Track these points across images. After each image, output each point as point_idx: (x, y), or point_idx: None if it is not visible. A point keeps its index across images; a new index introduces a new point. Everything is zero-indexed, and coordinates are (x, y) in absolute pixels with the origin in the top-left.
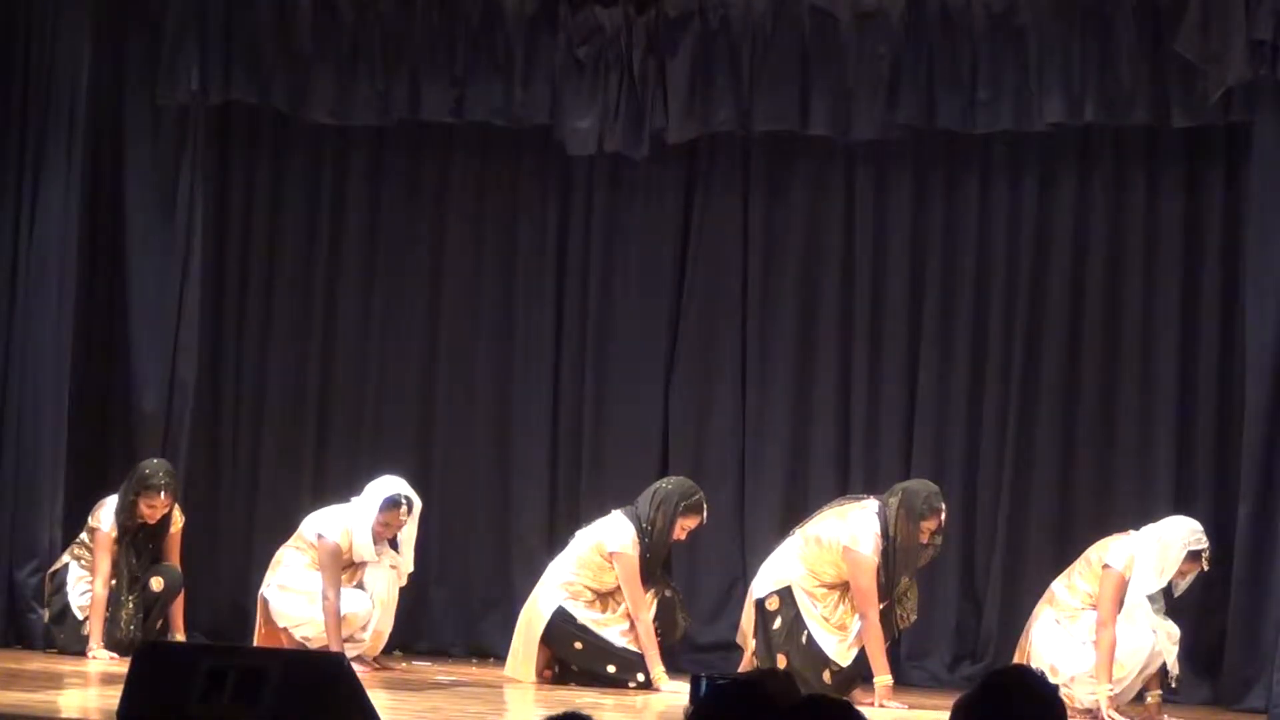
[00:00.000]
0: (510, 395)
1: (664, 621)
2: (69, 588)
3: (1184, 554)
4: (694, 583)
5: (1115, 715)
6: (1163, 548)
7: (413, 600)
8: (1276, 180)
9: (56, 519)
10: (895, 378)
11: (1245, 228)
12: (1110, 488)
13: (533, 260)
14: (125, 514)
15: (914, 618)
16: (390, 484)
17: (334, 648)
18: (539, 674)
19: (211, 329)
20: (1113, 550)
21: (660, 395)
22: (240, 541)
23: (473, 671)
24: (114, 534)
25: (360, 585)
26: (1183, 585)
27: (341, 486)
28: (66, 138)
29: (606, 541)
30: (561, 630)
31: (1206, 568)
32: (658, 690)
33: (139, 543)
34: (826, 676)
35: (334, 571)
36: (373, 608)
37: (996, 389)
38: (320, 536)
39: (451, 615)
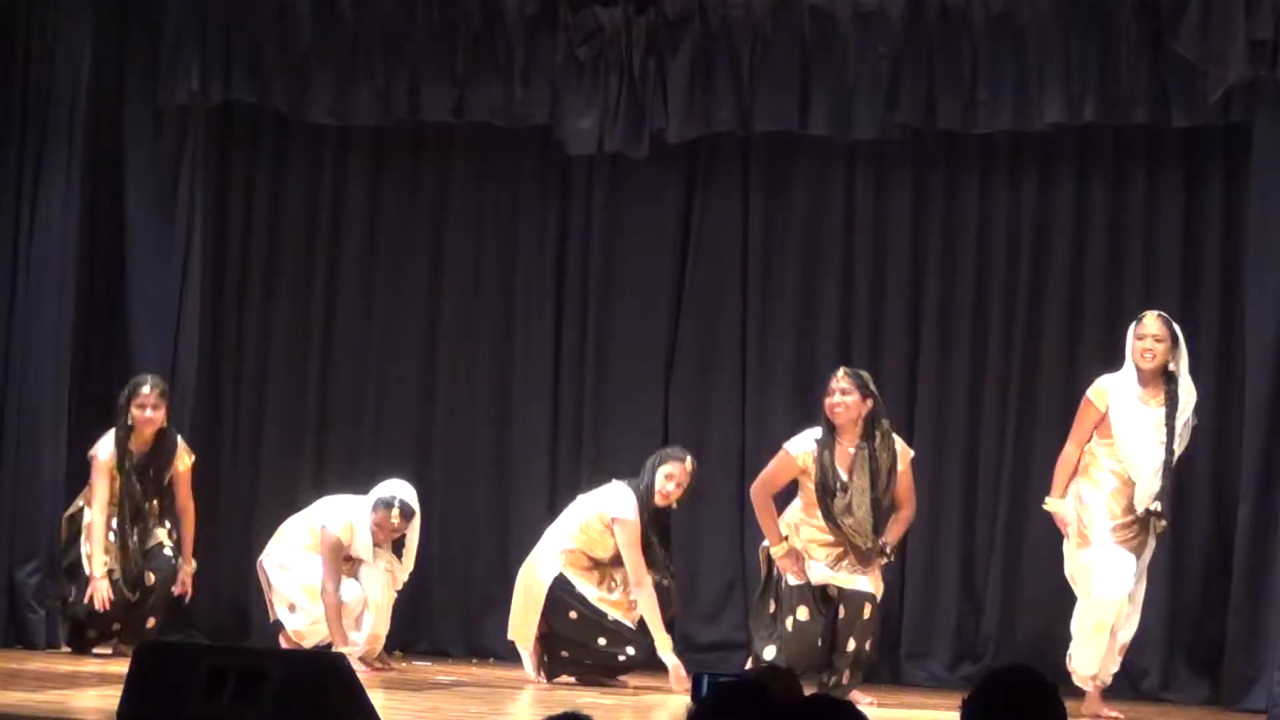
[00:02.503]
0: (510, 395)
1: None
2: (83, 538)
3: (1129, 341)
4: (694, 583)
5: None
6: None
7: (413, 600)
8: (1276, 180)
9: (57, 519)
10: (894, 377)
11: (1245, 227)
12: None
13: (533, 260)
14: (123, 432)
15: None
16: (389, 486)
17: (336, 640)
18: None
19: (211, 329)
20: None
21: (660, 395)
22: (240, 542)
23: (473, 671)
24: (112, 461)
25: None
26: (1183, 422)
27: (341, 486)
28: (66, 138)
29: (608, 509)
30: (559, 598)
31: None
32: (660, 657)
33: (140, 468)
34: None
35: (334, 564)
36: (367, 608)
37: (996, 388)
38: (324, 528)
39: (451, 615)
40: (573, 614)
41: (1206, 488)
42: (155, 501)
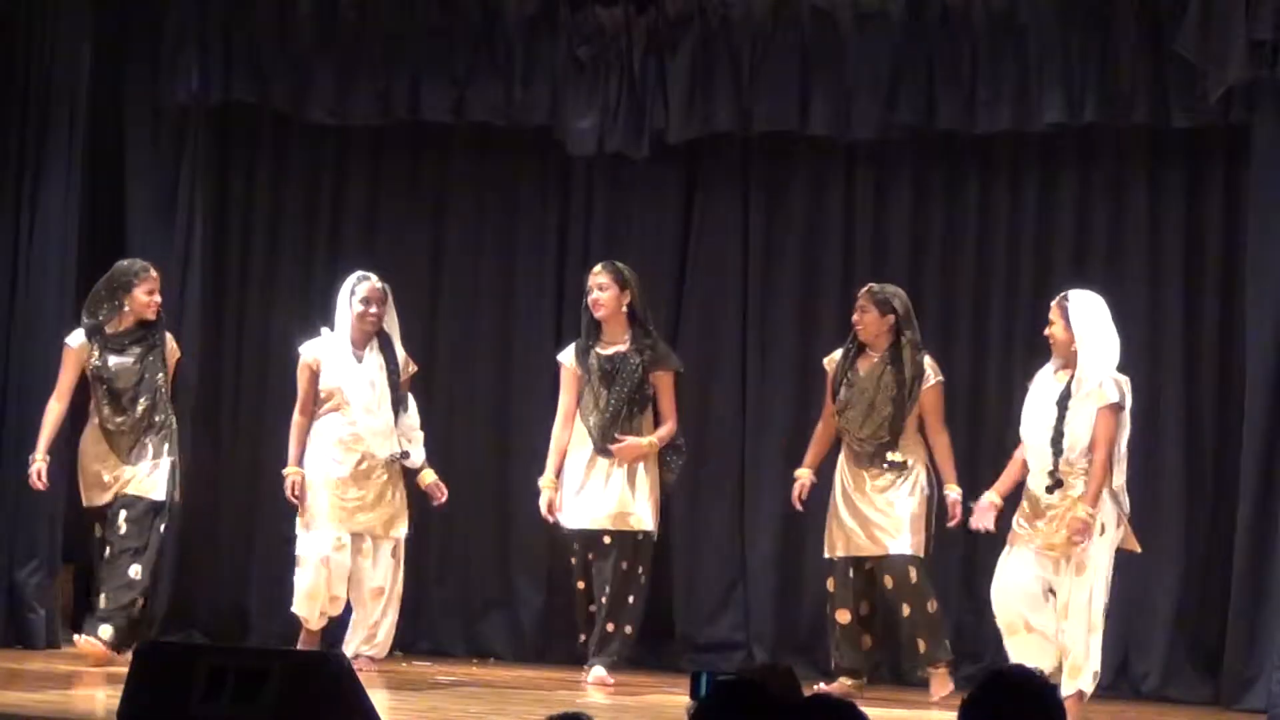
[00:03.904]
0: (510, 395)
1: None
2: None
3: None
4: (694, 583)
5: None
6: None
7: (413, 600)
8: (1276, 180)
9: (57, 519)
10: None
11: (1245, 228)
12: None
13: (533, 260)
14: (103, 316)
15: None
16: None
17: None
18: None
19: (211, 329)
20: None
21: None
22: (240, 542)
23: (473, 671)
24: (82, 348)
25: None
26: (1083, 395)
27: None
28: (66, 138)
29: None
30: None
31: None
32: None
33: (124, 342)
34: None
35: (306, 393)
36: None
37: (996, 388)
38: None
39: (451, 615)
40: None
41: (1207, 487)
42: (159, 391)
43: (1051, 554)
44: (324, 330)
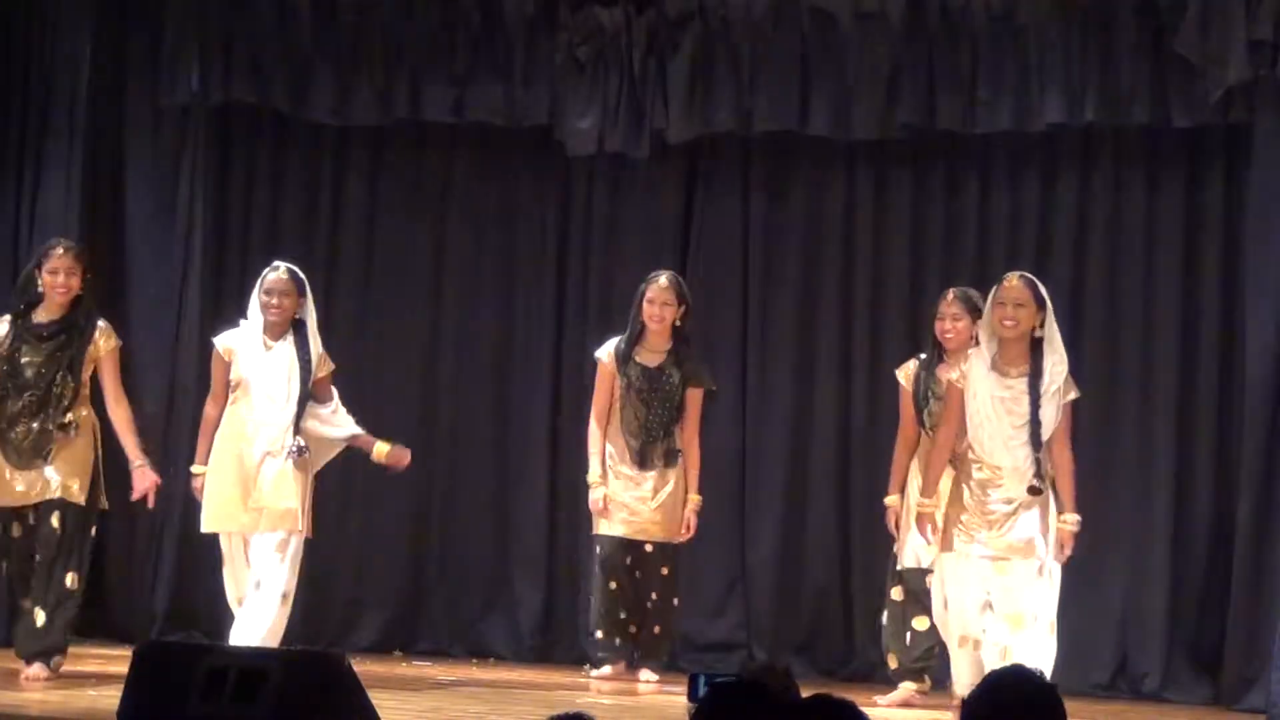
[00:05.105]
0: (510, 395)
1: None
2: None
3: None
4: (694, 582)
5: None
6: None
7: (412, 600)
8: (1276, 180)
9: None
10: (894, 377)
11: (1245, 228)
12: (1110, 487)
13: (533, 260)
14: (24, 301)
15: None
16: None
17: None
18: None
19: (211, 329)
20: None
21: None
22: None
23: (473, 671)
24: (7, 337)
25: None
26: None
27: (339, 484)
28: (66, 138)
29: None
30: None
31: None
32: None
33: (43, 334)
34: None
35: (219, 383)
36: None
37: None
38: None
39: (451, 615)
40: None
41: (1207, 488)
42: (69, 388)
43: (998, 559)
44: (242, 321)
